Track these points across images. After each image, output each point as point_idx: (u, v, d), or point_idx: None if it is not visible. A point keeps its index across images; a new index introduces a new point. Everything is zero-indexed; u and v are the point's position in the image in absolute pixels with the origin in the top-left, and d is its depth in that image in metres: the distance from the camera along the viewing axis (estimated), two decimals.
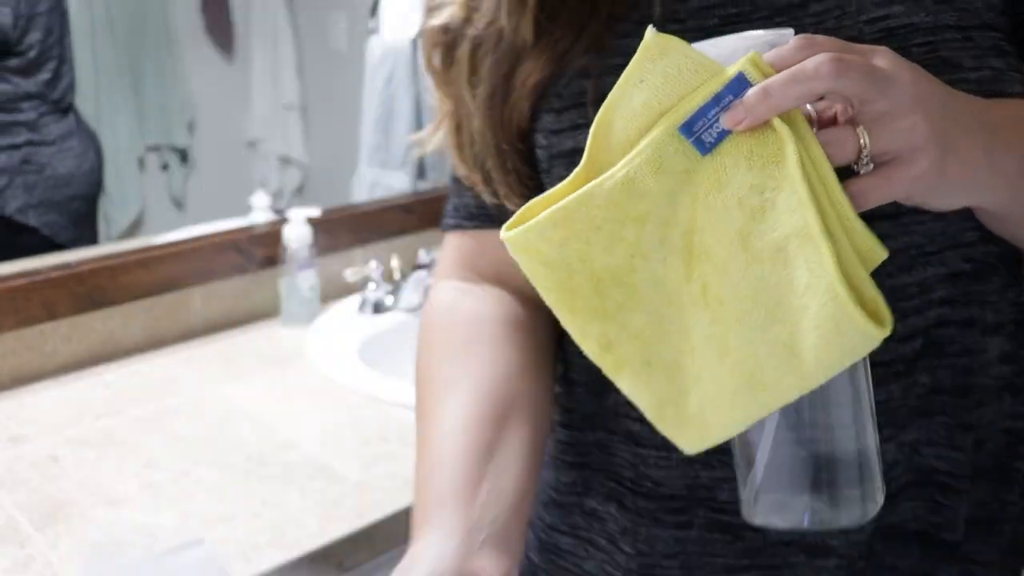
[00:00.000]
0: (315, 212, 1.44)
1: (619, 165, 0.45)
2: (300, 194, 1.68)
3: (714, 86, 0.42)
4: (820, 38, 0.43)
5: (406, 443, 1.07)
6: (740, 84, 0.41)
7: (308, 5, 1.62)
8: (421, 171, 1.67)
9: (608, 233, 0.46)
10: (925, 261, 0.54)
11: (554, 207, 0.46)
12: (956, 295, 0.56)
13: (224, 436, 1.08)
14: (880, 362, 0.54)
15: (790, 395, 0.43)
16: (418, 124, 1.65)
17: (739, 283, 0.43)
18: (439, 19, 0.63)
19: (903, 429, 0.57)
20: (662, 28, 0.45)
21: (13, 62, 1.35)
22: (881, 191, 0.43)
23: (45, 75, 1.39)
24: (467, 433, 0.57)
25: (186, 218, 1.53)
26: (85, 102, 1.42)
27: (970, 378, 0.58)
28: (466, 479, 0.55)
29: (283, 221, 1.40)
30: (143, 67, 1.52)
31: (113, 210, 1.49)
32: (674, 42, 0.43)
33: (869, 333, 0.40)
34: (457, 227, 0.71)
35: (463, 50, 0.62)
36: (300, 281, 1.38)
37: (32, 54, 1.37)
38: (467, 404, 0.59)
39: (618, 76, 0.45)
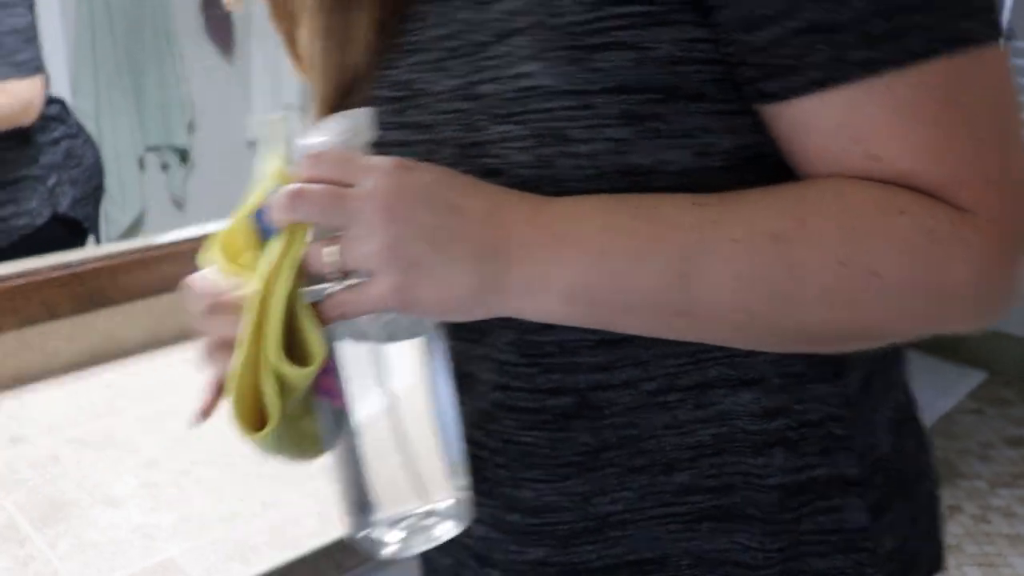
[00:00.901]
0: None
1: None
2: None
3: (268, 186, 0.51)
4: (324, 155, 0.48)
5: None
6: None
7: None
8: None
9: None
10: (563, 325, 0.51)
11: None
12: (611, 361, 0.56)
13: (223, 436, 1.08)
14: (525, 408, 0.58)
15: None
16: None
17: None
18: None
19: (566, 481, 0.59)
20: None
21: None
22: (351, 304, 0.48)
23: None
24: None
25: (186, 218, 1.53)
26: (85, 101, 1.42)
27: (652, 441, 0.57)
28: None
29: None
30: (143, 67, 1.52)
31: (113, 210, 1.50)
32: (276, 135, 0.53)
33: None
34: None
35: None
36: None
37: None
38: None
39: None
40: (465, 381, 0.59)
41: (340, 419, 0.53)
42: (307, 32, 0.60)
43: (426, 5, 0.56)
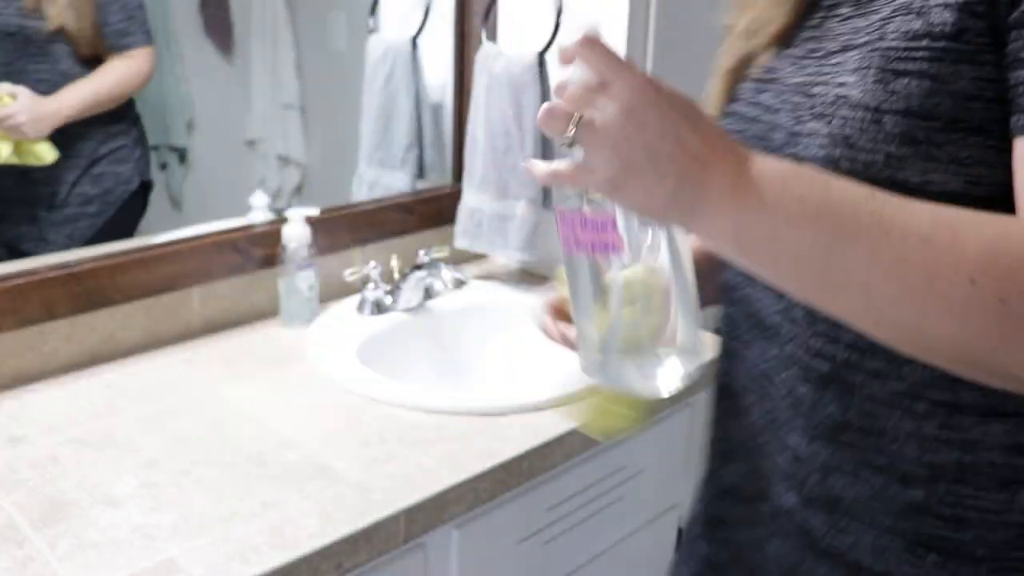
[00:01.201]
0: (314, 212, 1.44)
1: None
2: (299, 194, 1.67)
3: None
4: (598, 45, 0.54)
5: (405, 443, 1.07)
6: None
7: (307, 4, 1.62)
8: (420, 171, 1.67)
9: None
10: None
11: None
12: (867, 345, 0.61)
13: (223, 436, 1.08)
14: (801, 362, 0.66)
15: None
16: (418, 123, 1.65)
17: None
18: None
19: (814, 442, 0.66)
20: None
21: None
22: (569, 177, 0.56)
23: None
24: None
25: (185, 218, 1.53)
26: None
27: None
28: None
29: (282, 221, 1.40)
30: None
31: None
32: None
33: None
34: None
35: None
36: (299, 281, 1.38)
37: None
38: None
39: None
40: (773, 331, 0.68)
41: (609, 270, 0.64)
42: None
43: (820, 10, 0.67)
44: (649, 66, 1.51)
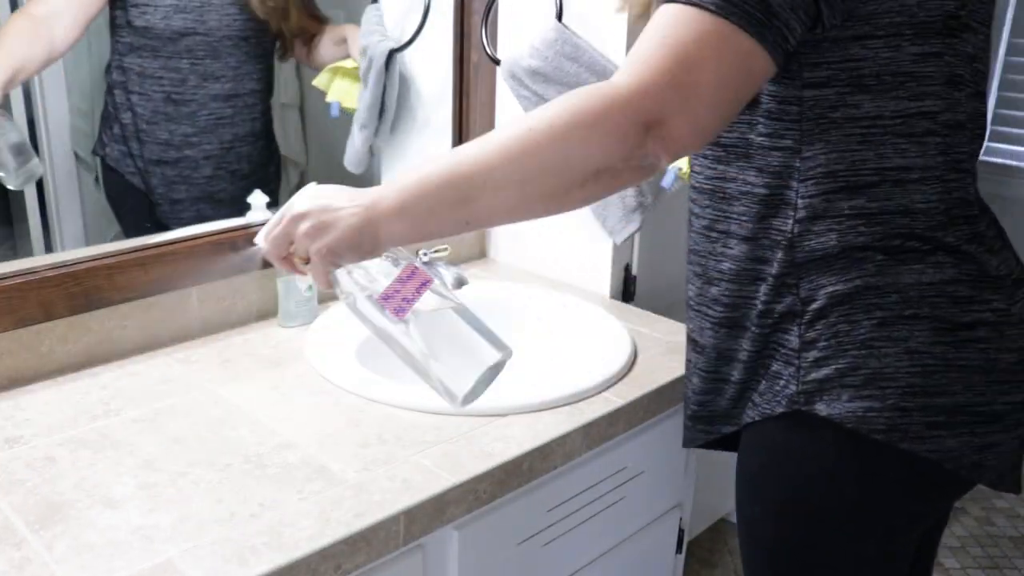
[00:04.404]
0: None
1: None
2: None
3: None
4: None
5: (404, 444, 1.06)
6: None
7: None
8: None
9: None
10: None
11: None
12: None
13: (222, 437, 1.07)
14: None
15: None
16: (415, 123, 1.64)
17: None
18: None
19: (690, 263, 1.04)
20: None
21: None
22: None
23: None
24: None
25: None
26: (84, 102, 1.41)
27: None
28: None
29: None
30: None
31: None
32: None
33: None
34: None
35: None
36: (298, 281, 1.38)
37: None
38: None
39: None
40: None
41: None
42: None
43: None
44: None
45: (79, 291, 1.21)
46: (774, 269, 0.90)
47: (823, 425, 0.89)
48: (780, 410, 0.92)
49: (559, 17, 1.45)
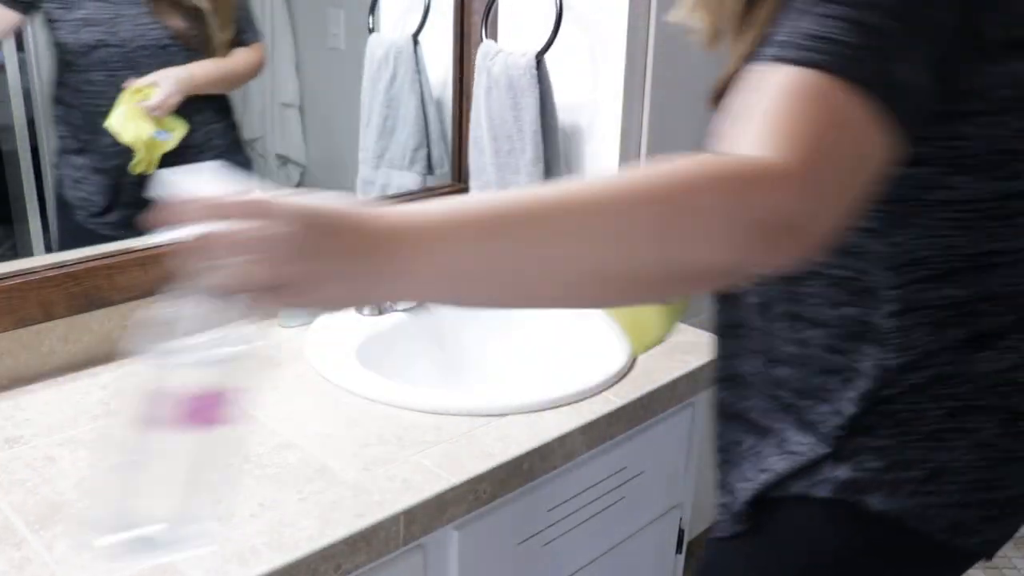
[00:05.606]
0: None
1: None
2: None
3: None
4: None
5: (405, 445, 1.06)
6: None
7: (306, 3, 1.61)
8: (430, 168, 1.67)
9: None
10: None
11: None
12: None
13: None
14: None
15: None
16: (424, 121, 1.64)
17: None
18: None
19: (725, 339, 0.91)
20: None
21: None
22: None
23: None
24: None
25: None
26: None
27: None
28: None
29: None
30: None
31: None
32: None
33: None
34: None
35: None
36: None
37: None
38: None
39: None
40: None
41: None
42: None
43: None
44: (650, 66, 1.51)
45: (79, 291, 1.21)
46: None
47: (876, 520, 0.80)
48: (823, 495, 0.81)
49: (559, 17, 1.45)
